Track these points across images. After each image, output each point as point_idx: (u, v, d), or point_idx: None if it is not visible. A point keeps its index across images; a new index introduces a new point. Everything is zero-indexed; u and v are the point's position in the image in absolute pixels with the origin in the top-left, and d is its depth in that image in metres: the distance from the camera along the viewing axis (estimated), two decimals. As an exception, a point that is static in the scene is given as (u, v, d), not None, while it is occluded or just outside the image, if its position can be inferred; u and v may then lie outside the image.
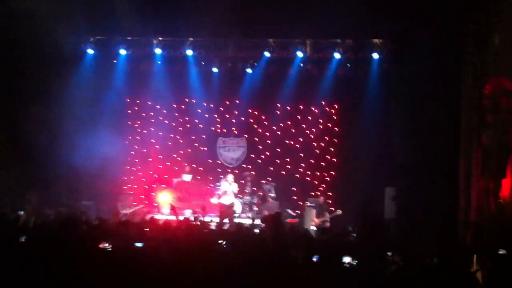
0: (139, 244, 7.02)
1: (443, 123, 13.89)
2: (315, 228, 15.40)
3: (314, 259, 6.29)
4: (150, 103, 19.63)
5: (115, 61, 18.75)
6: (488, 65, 12.44)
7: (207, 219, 14.85)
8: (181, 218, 12.24)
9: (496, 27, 12.13)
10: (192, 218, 13.08)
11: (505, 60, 11.94)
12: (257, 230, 11.05)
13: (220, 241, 7.82)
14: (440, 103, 14.00)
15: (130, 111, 19.72)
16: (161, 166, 19.46)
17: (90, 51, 18.34)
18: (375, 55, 17.10)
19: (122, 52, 18.39)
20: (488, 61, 12.45)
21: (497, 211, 11.35)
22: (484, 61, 12.60)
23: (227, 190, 17.27)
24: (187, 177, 18.04)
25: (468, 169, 12.74)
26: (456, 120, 13.31)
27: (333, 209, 16.50)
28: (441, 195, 13.35)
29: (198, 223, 11.60)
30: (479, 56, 12.76)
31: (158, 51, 18.12)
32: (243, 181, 18.19)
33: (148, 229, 8.90)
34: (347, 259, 6.23)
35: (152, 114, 19.72)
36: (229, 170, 19.02)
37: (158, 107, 19.65)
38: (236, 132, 19.51)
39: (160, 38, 17.98)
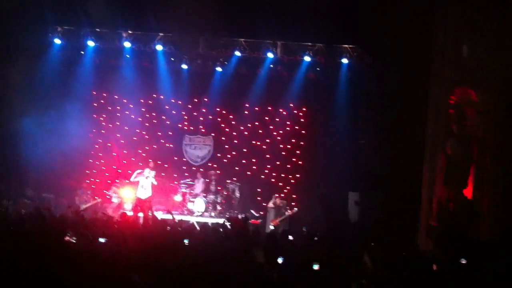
0: (102, 240, 6.89)
1: (410, 130, 14.06)
2: (273, 228, 15.48)
3: (280, 260, 6.26)
4: (117, 97, 19.36)
5: (82, 53, 18.44)
6: (455, 75, 12.63)
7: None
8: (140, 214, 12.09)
9: (464, 38, 12.33)
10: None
11: (471, 72, 12.16)
12: (221, 229, 10.98)
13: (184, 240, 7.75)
14: (407, 111, 14.18)
15: (96, 104, 19.42)
16: (125, 161, 19.19)
17: (58, 41, 17.99)
18: (345, 60, 17.20)
19: (91, 43, 18.09)
20: (455, 72, 12.64)
21: (453, 218, 11.55)
22: (451, 71, 12.79)
23: (144, 183, 16.50)
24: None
25: (431, 176, 12.92)
26: (422, 127, 13.48)
27: (288, 208, 16.57)
28: (404, 200, 13.52)
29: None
30: (447, 66, 12.95)
31: (127, 44, 17.87)
32: (208, 180, 18.10)
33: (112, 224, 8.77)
34: (316, 266, 6.21)
35: (119, 108, 19.45)
36: (194, 168, 18.93)
37: (125, 101, 19.38)
38: (203, 130, 19.39)
39: (129, 32, 17.75)
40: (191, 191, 17.93)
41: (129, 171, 18.70)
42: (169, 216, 12.67)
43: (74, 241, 6.92)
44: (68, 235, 7.15)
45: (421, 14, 13.36)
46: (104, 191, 17.71)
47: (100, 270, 5.49)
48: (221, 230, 10.84)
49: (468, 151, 11.81)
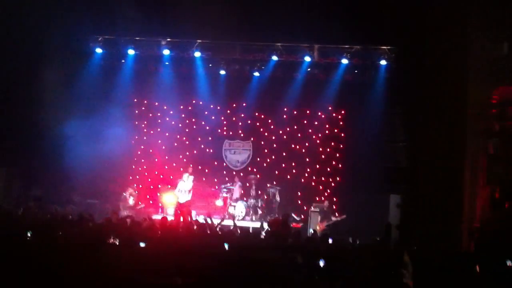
0: (142, 244, 7.05)
1: (449, 130, 13.84)
2: (314, 231, 15.42)
3: (321, 263, 6.30)
4: (157, 104, 19.69)
5: (123, 61, 18.84)
6: (496, 74, 12.42)
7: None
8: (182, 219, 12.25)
9: (504, 35, 12.11)
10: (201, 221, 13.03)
11: (512, 70, 11.94)
12: (263, 234, 11.04)
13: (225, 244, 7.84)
14: (446, 110, 13.96)
15: (137, 111, 19.79)
16: (166, 167, 19.49)
17: (99, 50, 18.44)
18: (383, 62, 17.09)
19: (131, 52, 18.50)
20: (496, 70, 12.42)
21: (500, 220, 11.31)
22: (492, 69, 12.58)
23: (182, 188, 16.96)
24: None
25: (473, 177, 12.71)
26: (462, 127, 13.26)
27: (337, 214, 16.50)
28: (446, 203, 13.30)
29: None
30: (486, 65, 12.74)
31: (166, 52, 18.19)
32: (248, 184, 18.21)
33: (152, 229, 8.93)
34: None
35: (159, 114, 19.78)
36: (235, 173, 19.07)
37: (165, 107, 19.70)
38: (242, 135, 19.52)
39: (168, 39, 18.05)
40: (232, 196, 18.08)
41: (170, 177, 19.01)
42: (208, 221, 12.80)
43: (117, 244, 7.10)
44: (112, 238, 7.35)
45: (458, 12, 13.17)
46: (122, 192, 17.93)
47: (140, 273, 5.62)
48: (262, 233, 10.91)
49: (510, 149, 11.57)
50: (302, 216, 17.21)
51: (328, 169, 18.50)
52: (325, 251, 7.58)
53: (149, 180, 19.53)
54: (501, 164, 11.84)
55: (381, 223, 15.69)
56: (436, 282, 6.86)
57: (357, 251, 8.16)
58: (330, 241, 9.56)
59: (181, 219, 15.45)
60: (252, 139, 19.43)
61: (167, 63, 18.79)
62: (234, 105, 19.39)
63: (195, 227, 10.01)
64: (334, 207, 17.15)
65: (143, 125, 19.79)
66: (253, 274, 5.98)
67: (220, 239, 8.82)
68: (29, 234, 7.38)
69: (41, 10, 15.58)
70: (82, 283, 5.42)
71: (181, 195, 16.78)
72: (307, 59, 17.56)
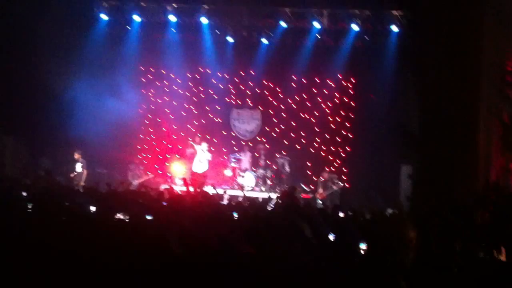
0: (149, 217, 6.86)
1: (463, 98, 13.48)
2: (320, 202, 15.27)
3: (331, 237, 6.08)
4: (164, 72, 19.38)
5: (129, 28, 18.48)
6: (511, 40, 11.99)
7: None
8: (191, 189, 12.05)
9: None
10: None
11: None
12: (271, 206, 10.86)
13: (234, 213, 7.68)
14: (459, 78, 13.56)
15: (144, 79, 19.48)
16: (175, 136, 19.30)
17: (104, 17, 18.09)
18: (394, 28, 16.65)
19: (136, 18, 18.14)
20: (511, 36, 11.99)
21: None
22: (507, 36, 12.14)
23: (201, 157, 16.88)
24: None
25: (488, 147, 12.38)
26: (476, 95, 12.89)
27: (337, 182, 16.24)
28: (459, 173, 13.02)
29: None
30: (502, 31, 12.29)
31: (172, 18, 17.84)
32: (257, 154, 18.01)
33: (161, 201, 8.75)
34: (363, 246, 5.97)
35: (167, 83, 19.48)
36: (243, 143, 18.85)
37: (172, 76, 19.39)
38: (251, 104, 19.23)
39: (174, 5, 17.67)
40: (240, 166, 17.89)
41: (179, 146, 18.84)
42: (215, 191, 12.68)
43: (126, 220, 6.90)
44: (119, 213, 7.15)
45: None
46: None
47: (146, 245, 5.45)
48: (270, 204, 10.73)
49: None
50: (312, 187, 17.03)
51: (338, 139, 18.23)
52: (335, 224, 7.36)
53: (157, 149, 19.35)
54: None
55: (392, 194, 15.58)
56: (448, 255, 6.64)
57: (369, 224, 7.93)
58: (341, 214, 9.33)
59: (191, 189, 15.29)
60: (260, 108, 19.13)
61: (173, 29, 18.42)
62: (242, 73, 19.04)
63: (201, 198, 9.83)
64: (338, 176, 16.84)
65: (150, 94, 19.51)
66: (258, 248, 5.76)
67: (229, 209, 8.62)
68: (29, 206, 7.19)
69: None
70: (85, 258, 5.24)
71: (200, 164, 16.66)
72: (316, 25, 17.16)
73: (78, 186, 14.94)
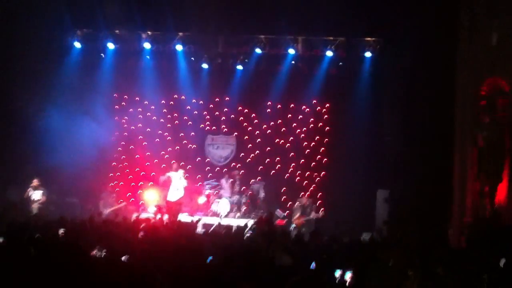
0: (124, 258, 6.60)
1: (437, 123, 13.63)
2: (294, 228, 15.15)
3: (312, 265, 5.98)
4: (138, 99, 19.19)
5: (102, 55, 18.34)
6: (484, 65, 12.18)
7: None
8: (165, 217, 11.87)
9: (493, 26, 11.86)
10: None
11: (501, 60, 11.69)
12: (247, 234, 10.70)
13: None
14: (433, 103, 13.73)
15: (117, 106, 19.26)
16: (148, 163, 19.04)
17: (78, 45, 17.94)
18: (368, 54, 16.83)
19: (110, 46, 18.03)
20: (484, 61, 12.19)
21: (492, 215, 11.08)
22: (480, 61, 12.34)
23: (177, 185, 16.59)
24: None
25: (463, 171, 12.47)
26: (450, 120, 13.03)
27: (319, 210, 16.16)
28: (435, 197, 13.08)
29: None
30: (475, 55, 12.49)
31: (147, 45, 17.77)
32: (231, 180, 17.86)
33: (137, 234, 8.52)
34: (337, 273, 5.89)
35: (140, 110, 19.28)
36: (218, 168, 18.71)
37: (146, 103, 19.22)
38: (225, 129, 19.13)
39: (149, 32, 17.63)
40: (216, 192, 17.71)
41: (152, 173, 18.59)
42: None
43: (102, 256, 6.63)
44: (96, 248, 6.90)
45: (447, 2, 12.93)
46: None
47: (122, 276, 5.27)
48: (246, 232, 10.58)
49: (501, 143, 11.33)
50: (287, 212, 16.90)
51: (313, 164, 18.19)
52: (314, 251, 7.26)
53: (130, 177, 19.06)
54: (491, 157, 11.59)
55: (368, 219, 15.57)
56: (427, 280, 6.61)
57: (347, 250, 7.85)
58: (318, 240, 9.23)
59: (165, 217, 15.06)
60: (235, 133, 19.04)
61: (148, 57, 18.33)
62: (217, 99, 18.98)
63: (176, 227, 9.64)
64: (315, 203, 16.78)
65: (123, 121, 19.27)
66: (240, 276, 5.64)
67: (206, 242, 8.43)
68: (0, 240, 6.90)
69: (20, 3, 15.13)
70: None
71: (175, 192, 16.42)
72: (291, 51, 17.25)
73: (29, 214, 14.46)
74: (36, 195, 15.69)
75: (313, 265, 6.11)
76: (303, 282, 4.36)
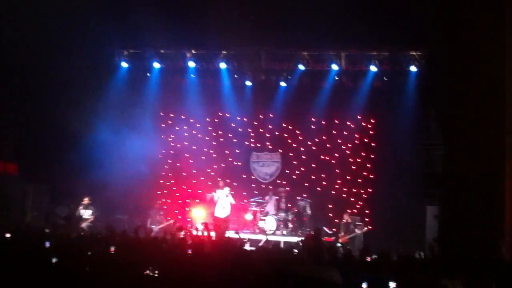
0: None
1: (487, 134, 13.23)
2: (340, 244, 14.94)
3: (364, 286, 5.88)
4: (184, 117, 19.47)
5: (148, 75, 18.71)
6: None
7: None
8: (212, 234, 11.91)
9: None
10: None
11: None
12: (295, 250, 10.62)
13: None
14: (484, 113, 13.36)
15: (164, 125, 19.58)
16: (194, 181, 19.23)
17: (124, 64, 18.37)
18: (413, 68, 16.62)
19: (156, 65, 18.38)
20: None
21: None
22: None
23: (224, 202, 16.62)
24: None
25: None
26: (501, 131, 12.65)
27: (364, 227, 15.95)
28: (485, 212, 12.70)
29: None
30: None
31: (191, 64, 18.07)
32: (277, 197, 17.82)
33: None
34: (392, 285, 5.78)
35: (186, 128, 19.55)
36: (263, 186, 18.71)
37: (192, 121, 19.48)
38: (270, 146, 19.16)
39: (193, 51, 17.91)
40: (262, 209, 17.70)
41: (199, 191, 18.74)
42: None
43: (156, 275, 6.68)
44: (149, 268, 6.95)
45: (490, 9, 12.63)
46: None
47: None
48: (295, 250, 10.50)
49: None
50: (334, 229, 16.72)
51: (360, 180, 17.99)
52: (364, 269, 7.16)
53: (177, 194, 19.27)
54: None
55: (417, 235, 15.23)
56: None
57: (399, 268, 7.71)
58: (368, 258, 9.10)
59: (213, 234, 15.11)
60: (280, 150, 19.05)
61: (192, 75, 18.61)
62: (261, 116, 19.06)
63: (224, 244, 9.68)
64: (362, 220, 16.56)
65: (170, 139, 19.59)
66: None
67: (255, 257, 8.41)
68: (54, 260, 7.01)
69: (66, 26, 15.59)
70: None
71: (221, 209, 16.51)
72: (335, 67, 17.21)
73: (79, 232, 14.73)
74: (86, 213, 16.03)
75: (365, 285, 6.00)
76: None
